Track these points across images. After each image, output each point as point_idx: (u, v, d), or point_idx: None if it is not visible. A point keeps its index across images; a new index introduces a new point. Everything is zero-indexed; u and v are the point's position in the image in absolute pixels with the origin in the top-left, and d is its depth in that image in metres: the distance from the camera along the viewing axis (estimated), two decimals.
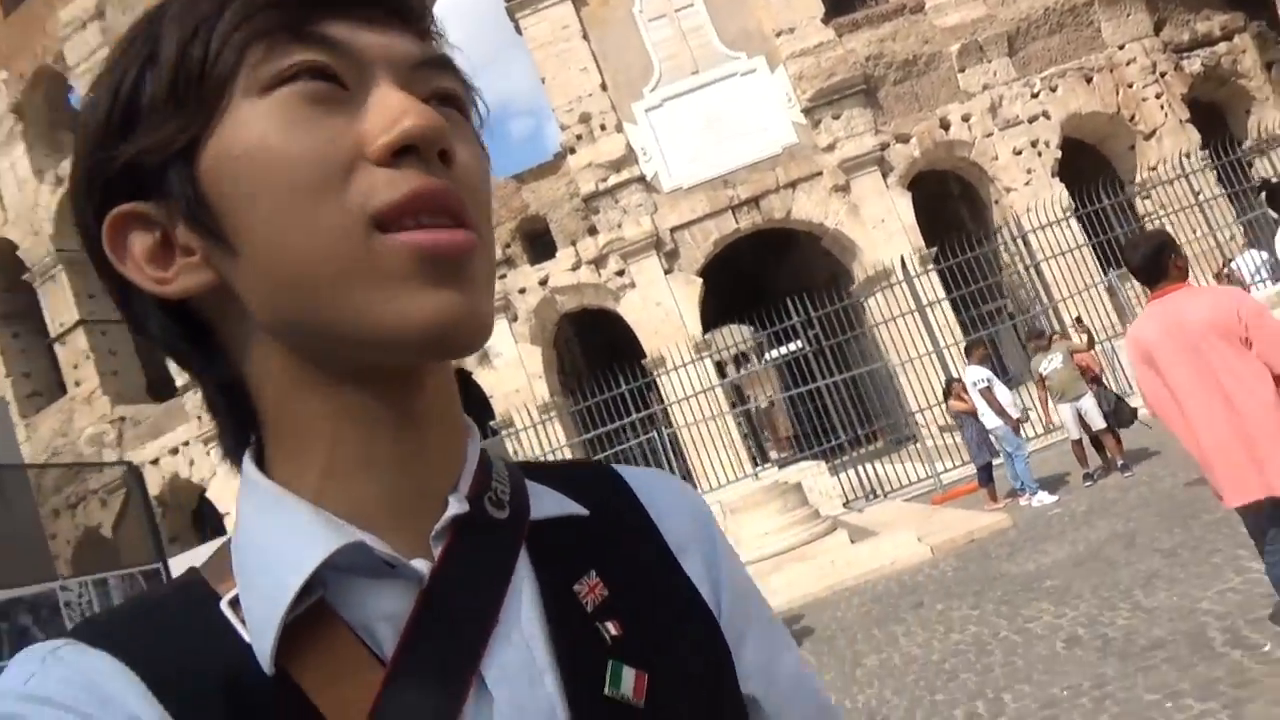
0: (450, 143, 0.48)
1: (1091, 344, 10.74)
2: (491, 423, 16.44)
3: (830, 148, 16.39)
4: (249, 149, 0.47)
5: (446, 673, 0.48)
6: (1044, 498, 8.92)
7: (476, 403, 16.71)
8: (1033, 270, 15.71)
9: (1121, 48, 16.84)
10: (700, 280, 16.66)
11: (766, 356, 20.63)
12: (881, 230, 16.23)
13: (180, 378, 18.99)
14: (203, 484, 19.32)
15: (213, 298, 0.51)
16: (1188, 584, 4.94)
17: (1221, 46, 16.94)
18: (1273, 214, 11.91)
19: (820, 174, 16.44)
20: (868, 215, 16.33)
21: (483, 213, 0.51)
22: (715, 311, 21.51)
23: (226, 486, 18.91)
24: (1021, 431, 9.58)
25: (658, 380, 15.94)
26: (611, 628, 0.54)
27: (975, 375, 9.57)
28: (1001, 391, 9.52)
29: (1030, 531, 7.82)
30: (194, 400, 18.92)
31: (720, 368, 21.30)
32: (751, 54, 16.82)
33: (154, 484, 19.08)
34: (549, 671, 0.51)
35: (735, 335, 26.17)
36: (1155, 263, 3.52)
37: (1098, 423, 9.14)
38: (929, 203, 17.50)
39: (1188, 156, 15.99)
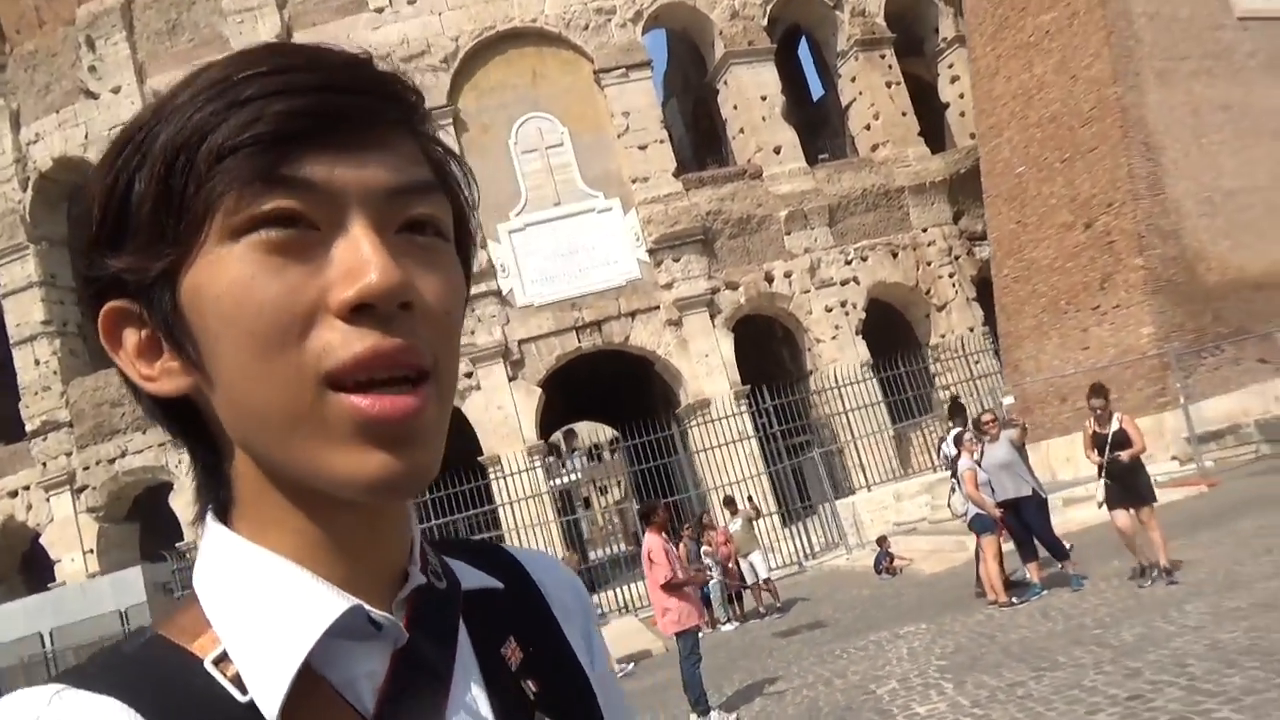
0: (412, 293, 0.50)
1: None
2: None
3: (668, 286, 18.44)
4: (216, 293, 0.49)
5: None
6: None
7: None
8: (836, 418, 17.94)
9: (925, 230, 19.59)
10: (540, 391, 18.27)
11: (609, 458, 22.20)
12: (704, 364, 18.25)
13: (30, 423, 19.42)
14: (38, 528, 19.57)
15: (196, 395, 0.54)
16: None
17: None
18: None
19: (657, 308, 18.44)
20: (694, 350, 18.35)
21: (446, 342, 0.53)
22: (561, 416, 23.13)
23: (61, 535, 19.26)
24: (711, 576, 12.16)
25: (494, 482, 17.31)
26: (532, 685, 0.61)
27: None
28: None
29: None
30: (40, 447, 19.33)
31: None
32: (609, 194, 18.86)
33: None
34: None
35: (590, 432, 27.95)
36: (650, 515, 7.79)
37: (762, 574, 12.29)
38: (756, 340, 19.67)
39: (971, 330, 18.65)
